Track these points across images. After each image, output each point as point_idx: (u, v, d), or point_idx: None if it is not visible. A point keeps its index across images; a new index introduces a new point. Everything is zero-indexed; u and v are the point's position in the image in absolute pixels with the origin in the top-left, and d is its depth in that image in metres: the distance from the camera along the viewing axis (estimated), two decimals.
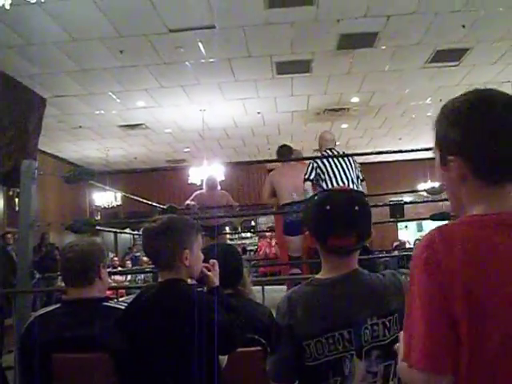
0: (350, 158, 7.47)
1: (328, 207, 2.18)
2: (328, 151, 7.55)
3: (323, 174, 7.29)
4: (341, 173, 7.28)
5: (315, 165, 7.38)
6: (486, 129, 1.42)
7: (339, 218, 2.16)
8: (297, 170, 7.82)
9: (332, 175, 7.28)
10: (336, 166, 7.32)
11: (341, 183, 7.28)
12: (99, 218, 18.33)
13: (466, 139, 1.44)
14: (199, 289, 2.67)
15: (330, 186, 7.18)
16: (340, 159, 7.37)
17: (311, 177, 7.34)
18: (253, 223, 20.58)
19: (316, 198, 2.31)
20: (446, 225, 1.43)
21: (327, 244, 2.16)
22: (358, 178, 7.43)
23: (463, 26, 9.15)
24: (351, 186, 7.24)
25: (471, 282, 1.30)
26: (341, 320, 2.09)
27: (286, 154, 8.23)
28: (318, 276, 2.26)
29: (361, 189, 7.26)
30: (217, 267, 2.67)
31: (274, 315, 2.33)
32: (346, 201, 2.23)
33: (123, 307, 2.79)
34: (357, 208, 2.20)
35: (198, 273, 2.63)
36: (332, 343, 2.06)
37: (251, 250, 18.13)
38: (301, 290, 2.24)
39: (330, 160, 7.35)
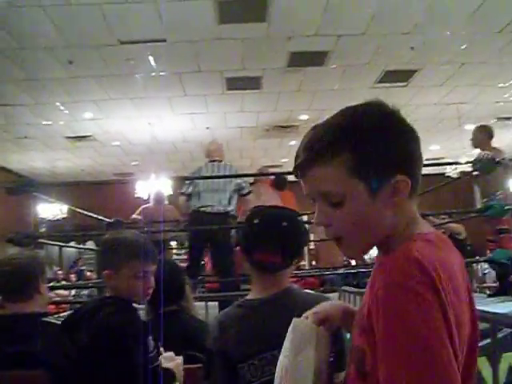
0: (228, 172, 7.45)
1: (256, 221, 2.17)
2: (209, 164, 7.60)
3: (196, 188, 7.34)
4: (210, 189, 7.29)
5: (189, 181, 7.47)
6: (413, 143, 1.40)
7: (265, 233, 2.14)
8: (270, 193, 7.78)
9: (202, 190, 7.30)
10: (207, 182, 7.32)
11: (207, 201, 7.24)
12: (44, 230, 18.02)
13: (406, 156, 1.36)
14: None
15: (198, 203, 7.24)
16: (217, 174, 7.37)
17: (188, 191, 7.37)
18: None
19: (249, 212, 2.30)
20: (412, 245, 1.26)
21: (253, 259, 2.14)
22: (235, 191, 7.36)
23: (412, 48, 9.32)
24: (216, 205, 7.20)
25: (454, 305, 1.20)
26: (272, 340, 2.01)
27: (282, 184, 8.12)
28: (248, 296, 2.22)
29: (232, 206, 7.26)
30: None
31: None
32: (274, 216, 2.21)
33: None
34: (285, 224, 2.16)
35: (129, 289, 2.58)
36: (265, 364, 2.03)
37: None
38: (231, 313, 2.18)
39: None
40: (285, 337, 2.08)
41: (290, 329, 1.53)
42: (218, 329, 2.12)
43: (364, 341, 1.26)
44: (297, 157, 1.42)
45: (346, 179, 1.30)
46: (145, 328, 2.48)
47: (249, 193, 7.44)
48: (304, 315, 1.56)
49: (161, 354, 2.58)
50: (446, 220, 10.37)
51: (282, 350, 1.52)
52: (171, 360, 2.63)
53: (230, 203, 7.26)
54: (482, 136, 7.92)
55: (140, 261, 2.55)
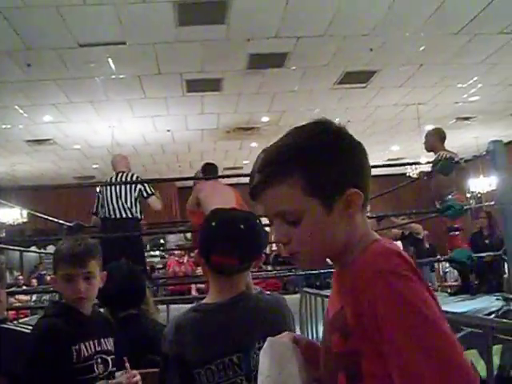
0: (129, 179, 7.58)
1: (213, 223, 2.16)
2: (115, 175, 7.73)
3: (102, 201, 7.47)
4: (113, 201, 7.41)
5: (97, 195, 7.63)
6: (361, 156, 1.46)
7: (222, 235, 2.13)
8: (227, 190, 7.77)
9: (106, 203, 7.43)
10: (110, 194, 7.44)
11: (112, 213, 7.39)
12: (3, 235, 17.79)
13: (356, 169, 1.40)
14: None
15: (105, 213, 7.39)
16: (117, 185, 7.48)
17: (94, 209, 7.65)
18: (162, 241, 20.37)
19: (208, 214, 2.28)
20: (379, 243, 1.36)
21: (210, 262, 2.13)
22: (136, 199, 7.51)
23: (371, 49, 9.40)
24: (122, 212, 7.37)
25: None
26: (229, 345, 2.05)
27: (213, 172, 8.11)
28: (205, 300, 2.20)
29: (137, 211, 7.44)
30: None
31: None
32: (231, 218, 2.21)
33: (21, 329, 2.71)
34: (242, 227, 2.15)
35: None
36: (222, 369, 2.02)
37: (160, 268, 17.93)
38: (188, 317, 2.15)
39: (107, 188, 7.49)
40: (242, 341, 2.08)
41: (265, 348, 1.51)
42: (173, 333, 2.10)
43: (355, 343, 1.26)
44: (251, 179, 1.41)
45: (301, 198, 1.33)
46: (68, 336, 2.45)
47: (150, 195, 7.59)
48: (279, 336, 1.56)
49: (125, 363, 2.54)
50: (407, 220, 10.47)
51: (260, 370, 1.49)
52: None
53: (132, 207, 7.42)
54: (434, 139, 8.01)
55: (66, 265, 2.56)
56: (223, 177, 8.80)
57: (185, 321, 2.11)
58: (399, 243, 12.42)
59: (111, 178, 7.82)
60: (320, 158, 1.35)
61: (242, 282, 2.21)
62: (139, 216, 7.58)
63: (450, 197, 7.24)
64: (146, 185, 7.65)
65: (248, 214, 2.33)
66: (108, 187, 7.49)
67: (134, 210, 7.46)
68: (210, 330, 2.07)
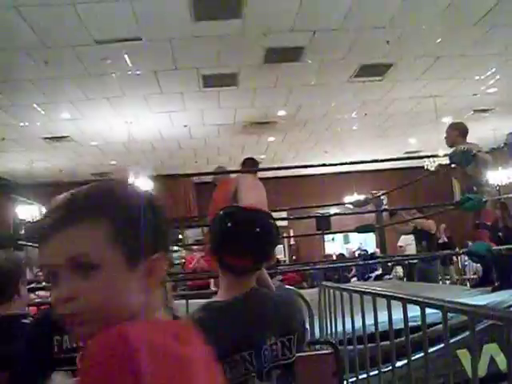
0: None
1: (229, 224, 2.15)
2: None
3: None
4: None
5: None
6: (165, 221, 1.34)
7: (238, 237, 2.13)
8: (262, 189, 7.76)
9: None
10: None
11: None
12: (22, 232, 17.89)
13: (161, 234, 1.28)
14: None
15: None
16: None
17: None
18: (180, 236, 20.42)
19: (221, 212, 2.25)
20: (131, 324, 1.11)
21: (223, 262, 2.14)
22: None
23: (387, 42, 9.36)
24: None
25: None
26: (241, 342, 2.05)
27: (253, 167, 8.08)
28: (215, 298, 2.22)
29: None
30: None
31: None
32: (248, 220, 2.19)
33: None
34: (258, 230, 2.14)
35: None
36: (234, 367, 2.01)
37: (178, 264, 17.97)
38: (198, 316, 2.14)
39: None
40: (253, 338, 2.08)
41: None
42: None
43: None
44: (45, 219, 1.21)
45: (103, 245, 1.15)
46: (55, 326, 2.42)
47: None
48: None
49: None
50: (419, 215, 10.45)
51: None
52: None
53: None
54: (456, 134, 7.93)
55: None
56: (240, 171, 8.75)
57: (195, 320, 2.08)
58: (411, 237, 12.42)
59: None
60: (124, 214, 1.19)
61: (252, 280, 2.21)
62: None
63: (479, 188, 7.18)
64: None
65: (264, 214, 2.31)
66: None
67: None
68: (220, 328, 2.05)
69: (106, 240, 1.14)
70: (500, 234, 9.43)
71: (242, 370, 2.02)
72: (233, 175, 7.89)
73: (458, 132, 7.90)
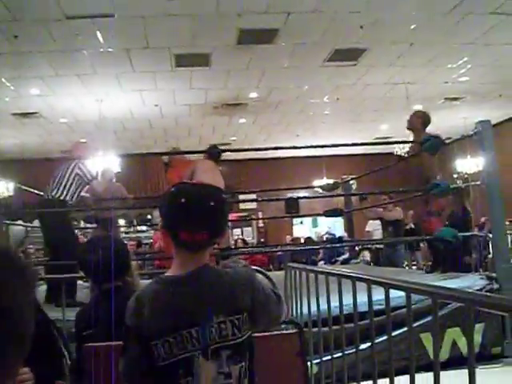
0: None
1: (183, 200, 2.12)
2: None
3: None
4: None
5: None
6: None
7: (193, 212, 2.11)
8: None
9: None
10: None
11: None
12: None
13: None
14: None
15: None
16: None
17: None
18: (149, 216, 20.40)
19: (173, 189, 2.23)
20: None
21: (179, 238, 2.10)
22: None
23: (361, 27, 9.37)
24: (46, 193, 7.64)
25: None
26: (188, 318, 2.04)
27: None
28: (167, 273, 2.19)
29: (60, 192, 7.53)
30: None
31: None
32: (202, 195, 2.18)
33: None
34: (212, 203, 2.14)
35: None
36: (180, 342, 2.01)
37: (147, 244, 17.97)
38: (149, 289, 2.15)
39: None
40: (200, 314, 2.09)
41: None
42: (134, 304, 2.10)
43: None
44: None
45: None
46: None
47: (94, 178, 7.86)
48: None
49: None
50: (388, 200, 10.56)
51: None
52: None
53: (58, 190, 7.51)
54: (418, 121, 7.96)
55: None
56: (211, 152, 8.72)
57: (145, 293, 2.12)
58: (378, 222, 12.53)
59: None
60: None
61: (206, 256, 2.20)
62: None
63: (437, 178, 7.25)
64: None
65: (215, 189, 2.31)
66: None
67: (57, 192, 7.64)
68: (168, 303, 2.06)
69: None
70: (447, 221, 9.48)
71: (189, 346, 2.01)
72: (192, 158, 7.95)
73: (420, 120, 7.94)
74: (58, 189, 7.49)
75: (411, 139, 8.20)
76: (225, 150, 7.44)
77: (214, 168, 7.54)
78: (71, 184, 7.53)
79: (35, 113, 13.85)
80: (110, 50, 9.89)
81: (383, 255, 12.35)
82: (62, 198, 7.50)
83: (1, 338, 1.04)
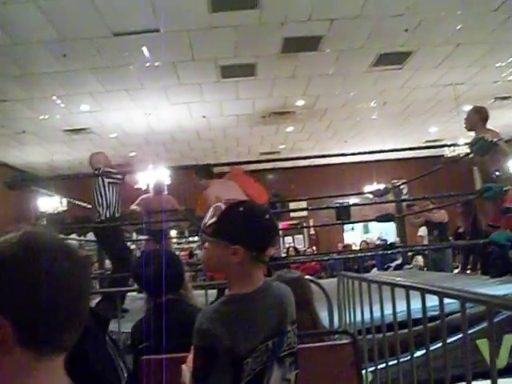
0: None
1: (267, 217, 2.14)
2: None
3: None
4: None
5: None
6: None
7: (273, 228, 2.18)
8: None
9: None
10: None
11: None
12: (44, 223, 18.02)
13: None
14: None
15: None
16: None
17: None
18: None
19: (241, 208, 2.19)
20: None
21: (262, 255, 2.11)
22: None
23: (406, 30, 9.29)
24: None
25: None
26: (268, 332, 2.06)
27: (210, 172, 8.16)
28: (235, 291, 2.15)
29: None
30: None
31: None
32: (269, 212, 2.22)
33: None
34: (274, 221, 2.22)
35: None
36: (259, 356, 2.02)
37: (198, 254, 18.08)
38: (227, 309, 2.09)
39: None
40: (278, 326, 2.11)
41: None
42: (219, 326, 2.00)
43: None
44: None
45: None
46: None
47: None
48: None
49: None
50: (432, 206, 10.44)
51: None
52: None
53: (103, 209, 7.63)
54: (476, 118, 7.78)
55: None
56: (260, 162, 8.78)
57: (224, 314, 2.05)
58: (424, 228, 12.39)
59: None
60: None
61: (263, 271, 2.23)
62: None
63: (494, 176, 7.09)
64: None
65: (264, 206, 2.36)
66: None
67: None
68: (252, 320, 2.06)
69: None
70: None
71: (264, 359, 2.03)
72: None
73: (479, 116, 7.74)
74: (103, 207, 7.59)
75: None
76: (272, 160, 7.47)
77: (225, 184, 7.63)
78: (111, 196, 7.59)
79: (85, 128, 14.07)
80: (156, 64, 10.00)
81: (430, 259, 12.20)
82: (109, 215, 7.58)
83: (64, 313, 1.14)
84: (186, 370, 2.17)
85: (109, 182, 7.59)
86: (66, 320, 1.15)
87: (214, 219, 2.14)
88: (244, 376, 1.99)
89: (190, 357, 2.15)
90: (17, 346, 1.10)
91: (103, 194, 7.57)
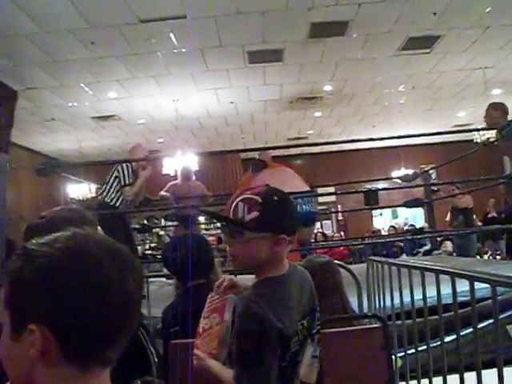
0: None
1: (292, 201, 2.17)
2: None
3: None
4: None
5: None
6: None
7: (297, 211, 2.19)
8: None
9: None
10: None
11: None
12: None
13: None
14: None
15: None
16: None
17: None
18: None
19: (276, 197, 2.13)
20: None
21: (291, 238, 2.11)
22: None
23: (434, 14, 9.20)
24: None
25: None
26: (303, 310, 2.09)
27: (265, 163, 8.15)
28: (268, 275, 2.12)
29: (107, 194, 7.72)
30: None
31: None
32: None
33: None
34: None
35: None
36: (297, 335, 2.02)
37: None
38: (269, 291, 2.07)
39: None
40: (310, 305, 2.15)
41: None
42: (266, 308, 1.96)
43: None
44: None
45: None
46: None
47: (126, 184, 7.73)
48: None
49: None
50: (456, 192, 10.39)
51: None
52: None
53: (106, 193, 7.71)
54: (498, 114, 7.66)
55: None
56: (288, 147, 8.77)
57: (266, 296, 2.02)
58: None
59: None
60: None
61: None
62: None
63: None
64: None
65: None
66: None
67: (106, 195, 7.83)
68: (291, 299, 2.07)
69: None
70: None
71: (301, 337, 2.05)
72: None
73: (499, 112, 7.63)
74: (103, 191, 7.74)
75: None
76: (300, 145, 7.48)
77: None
78: (111, 186, 7.66)
79: (114, 115, 14.16)
80: (183, 50, 10.01)
81: (455, 245, 12.11)
82: (106, 200, 7.66)
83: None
84: (206, 357, 2.11)
85: (116, 176, 7.65)
86: (113, 334, 1.13)
87: (255, 213, 2.06)
88: (287, 356, 1.99)
89: (199, 342, 2.17)
90: (61, 358, 1.08)
91: (109, 182, 7.67)
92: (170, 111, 13.82)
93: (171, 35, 9.30)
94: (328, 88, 13.30)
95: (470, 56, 11.54)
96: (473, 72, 12.61)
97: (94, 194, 17.30)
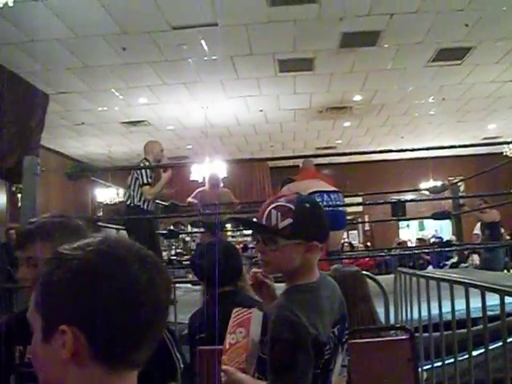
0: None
1: (323, 208, 2.19)
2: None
3: None
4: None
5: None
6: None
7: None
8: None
9: None
10: None
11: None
12: (101, 214, 18.32)
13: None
14: None
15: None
16: None
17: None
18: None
19: (307, 204, 2.15)
20: None
21: (322, 246, 2.13)
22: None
23: (466, 25, 9.15)
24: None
25: None
26: (334, 318, 2.09)
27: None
28: (300, 282, 2.12)
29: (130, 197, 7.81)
30: None
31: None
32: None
33: None
34: None
35: None
36: (328, 343, 2.01)
37: (253, 248, 18.13)
38: (303, 298, 2.06)
39: None
40: (339, 313, 2.15)
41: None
42: (301, 315, 1.96)
43: None
44: None
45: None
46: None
47: (145, 184, 7.72)
48: None
49: None
50: (483, 206, 10.33)
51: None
52: None
53: (128, 197, 7.85)
54: None
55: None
56: (316, 156, 8.77)
57: (299, 303, 2.02)
58: (478, 225, 12.25)
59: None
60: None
61: None
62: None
63: None
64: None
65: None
66: None
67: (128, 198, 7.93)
68: (323, 307, 2.07)
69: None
70: None
71: (332, 346, 2.04)
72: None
73: None
74: (128, 196, 7.86)
75: None
76: (332, 154, 7.48)
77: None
78: (133, 190, 7.72)
79: (143, 121, 14.25)
80: (214, 57, 10.05)
81: (482, 259, 12.01)
82: (131, 204, 7.72)
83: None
84: (236, 371, 2.08)
85: (136, 178, 7.70)
86: (141, 337, 1.15)
87: (288, 220, 2.07)
88: (321, 363, 1.98)
89: (226, 357, 2.14)
90: (90, 359, 1.10)
91: (131, 184, 7.76)
92: (200, 118, 13.85)
93: (202, 42, 9.35)
94: (358, 98, 13.28)
95: (502, 68, 11.46)
96: (504, 84, 12.51)
97: (121, 199, 17.40)
